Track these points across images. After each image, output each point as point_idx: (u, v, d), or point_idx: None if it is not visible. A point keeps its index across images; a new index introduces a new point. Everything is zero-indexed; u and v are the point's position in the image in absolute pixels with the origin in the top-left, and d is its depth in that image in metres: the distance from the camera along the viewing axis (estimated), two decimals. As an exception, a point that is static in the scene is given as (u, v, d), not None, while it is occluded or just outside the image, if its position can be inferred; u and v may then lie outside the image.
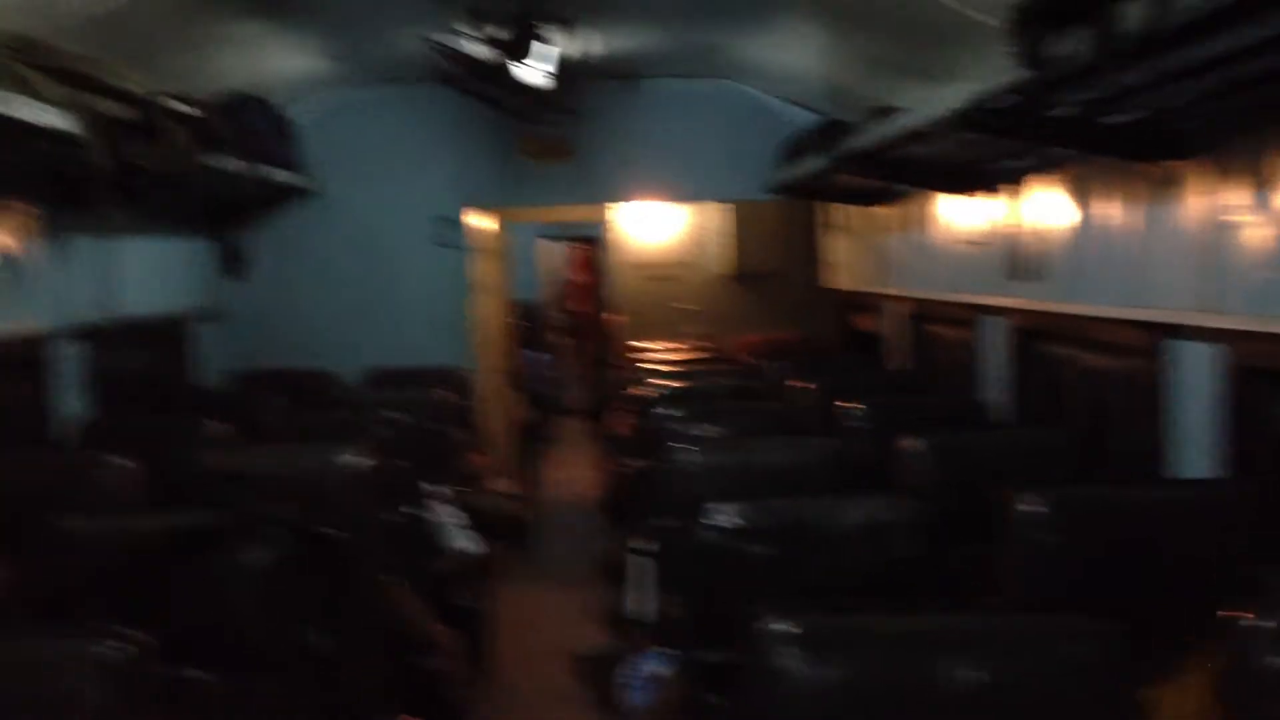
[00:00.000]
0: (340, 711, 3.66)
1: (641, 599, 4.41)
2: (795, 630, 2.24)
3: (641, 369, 7.62)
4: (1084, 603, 2.69)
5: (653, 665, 3.71)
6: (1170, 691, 2.37)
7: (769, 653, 2.22)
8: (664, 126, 8.17)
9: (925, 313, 6.86)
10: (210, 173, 5.19)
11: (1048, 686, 2.20)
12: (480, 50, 5.57)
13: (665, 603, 3.78)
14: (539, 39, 5.45)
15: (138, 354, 6.42)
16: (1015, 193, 5.27)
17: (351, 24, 6.19)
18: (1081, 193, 4.59)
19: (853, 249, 8.41)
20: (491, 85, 6.06)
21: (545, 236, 16.43)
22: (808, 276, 9.15)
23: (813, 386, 5.71)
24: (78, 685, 2.24)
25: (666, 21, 6.47)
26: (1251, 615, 2.05)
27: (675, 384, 6.51)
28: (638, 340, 9.37)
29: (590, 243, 16.99)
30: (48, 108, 3.84)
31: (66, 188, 4.94)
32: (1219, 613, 2.13)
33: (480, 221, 8.74)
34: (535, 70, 5.75)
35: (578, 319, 18.42)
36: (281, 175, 7.07)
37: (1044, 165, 4.86)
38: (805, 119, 7.48)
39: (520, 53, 5.47)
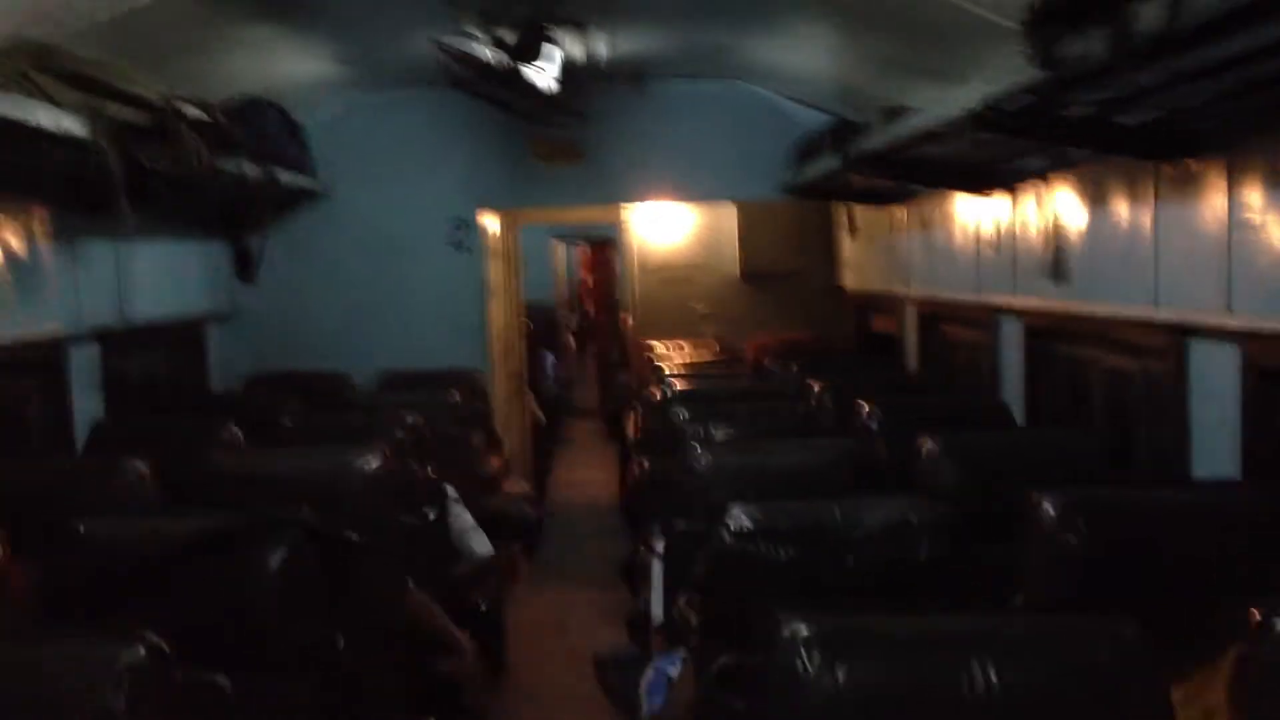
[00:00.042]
0: (357, 715, 3.65)
1: (659, 601, 4.40)
2: (814, 632, 2.23)
3: (656, 370, 7.62)
4: (1105, 603, 2.68)
5: (671, 667, 3.70)
6: (1192, 691, 2.36)
7: (788, 655, 2.21)
8: (675, 127, 8.17)
9: (941, 313, 6.84)
10: (222, 176, 5.19)
11: (1069, 687, 2.19)
12: (490, 53, 5.57)
13: (683, 605, 3.77)
14: (550, 41, 5.44)
15: (151, 357, 6.44)
16: (1031, 193, 5.25)
17: (362, 27, 6.19)
18: (1098, 193, 4.57)
19: (867, 250, 8.39)
20: (502, 88, 6.06)
21: (558, 238, 16.45)
22: (822, 277, 9.14)
23: (828, 387, 5.70)
24: (96, 688, 2.24)
25: (677, 22, 6.46)
26: (1273, 615, 2.04)
27: (690, 385, 6.51)
28: (651, 341, 9.37)
29: (603, 244, 17.02)
30: (61, 112, 3.85)
31: (80, 192, 4.95)
32: (1240, 613, 2.12)
33: (492, 223, 8.74)
34: (546, 73, 5.75)
35: (591, 320, 18.45)
36: (294, 178, 7.08)
37: (1059, 165, 4.84)
38: (816, 119, 7.46)
39: (531, 55, 5.46)
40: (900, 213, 7.44)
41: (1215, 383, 3.77)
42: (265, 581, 3.29)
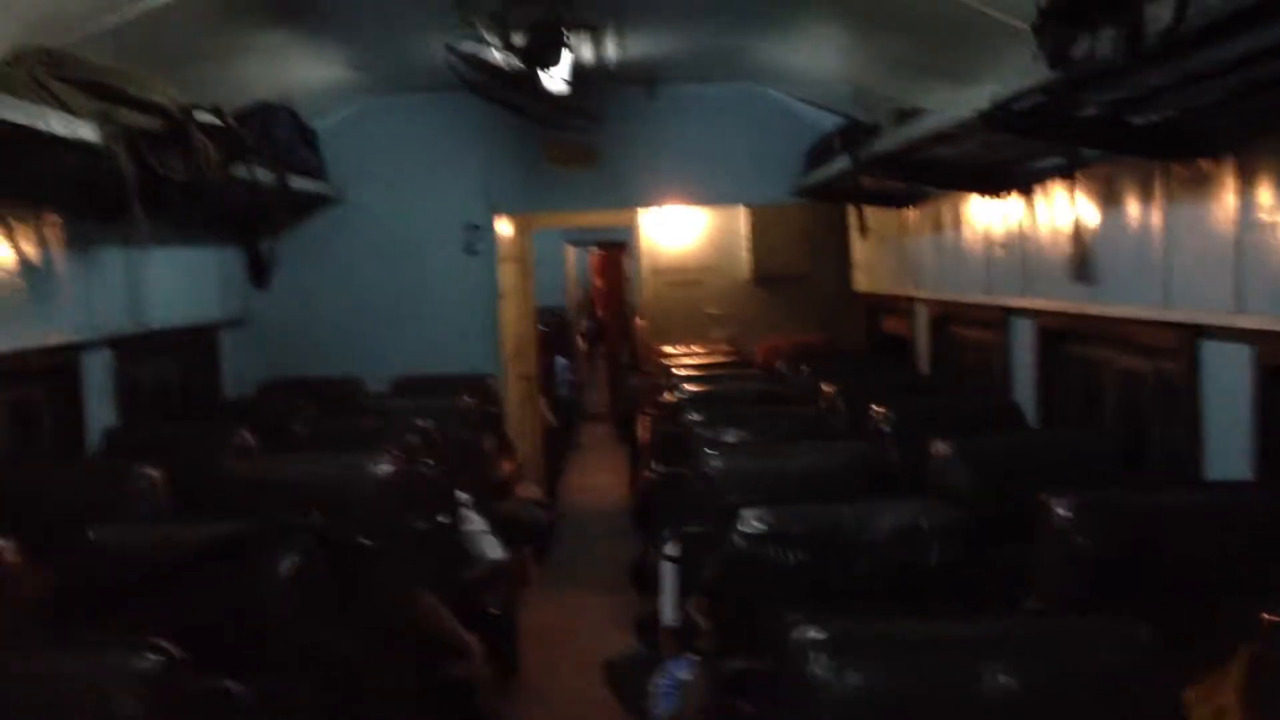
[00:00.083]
0: (368, 719, 3.66)
1: (671, 605, 4.40)
2: (828, 636, 2.23)
3: (668, 374, 7.62)
4: (1118, 605, 2.68)
5: (683, 672, 3.70)
6: (1205, 693, 2.35)
7: (801, 659, 2.21)
8: (688, 131, 8.16)
9: (952, 315, 6.83)
10: (236, 182, 5.20)
11: (1084, 690, 2.18)
12: (504, 58, 5.57)
13: (694, 608, 3.77)
14: (564, 45, 5.44)
15: (164, 363, 6.46)
16: (1043, 193, 5.24)
17: (374, 32, 6.20)
18: (1109, 193, 4.55)
19: (878, 251, 8.38)
20: (516, 92, 6.06)
21: (572, 242, 16.46)
22: (835, 280, 9.13)
23: (840, 389, 5.69)
24: (109, 695, 2.25)
25: (690, 26, 6.46)
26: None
27: (702, 388, 6.50)
28: (664, 345, 9.37)
29: (614, 247, 17.02)
30: (74, 119, 3.85)
31: (93, 198, 4.97)
32: (1252, 614, 2.11)
33: (505, 228, 8.74)
34: (560, 77, 5.75)
35: (604, 324, 18.44)
36: (307, 184, 7.09)
37: (1071, 166, 4.82)
38: (829, 121, 7.46)
39: (545, 60, 5.46)
40: (911, 214, 7.43)
41: (1228, 383, 3.75)
42: (277, 587, 3.31)
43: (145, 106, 4.25)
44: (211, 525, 3.47)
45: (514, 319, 9.09)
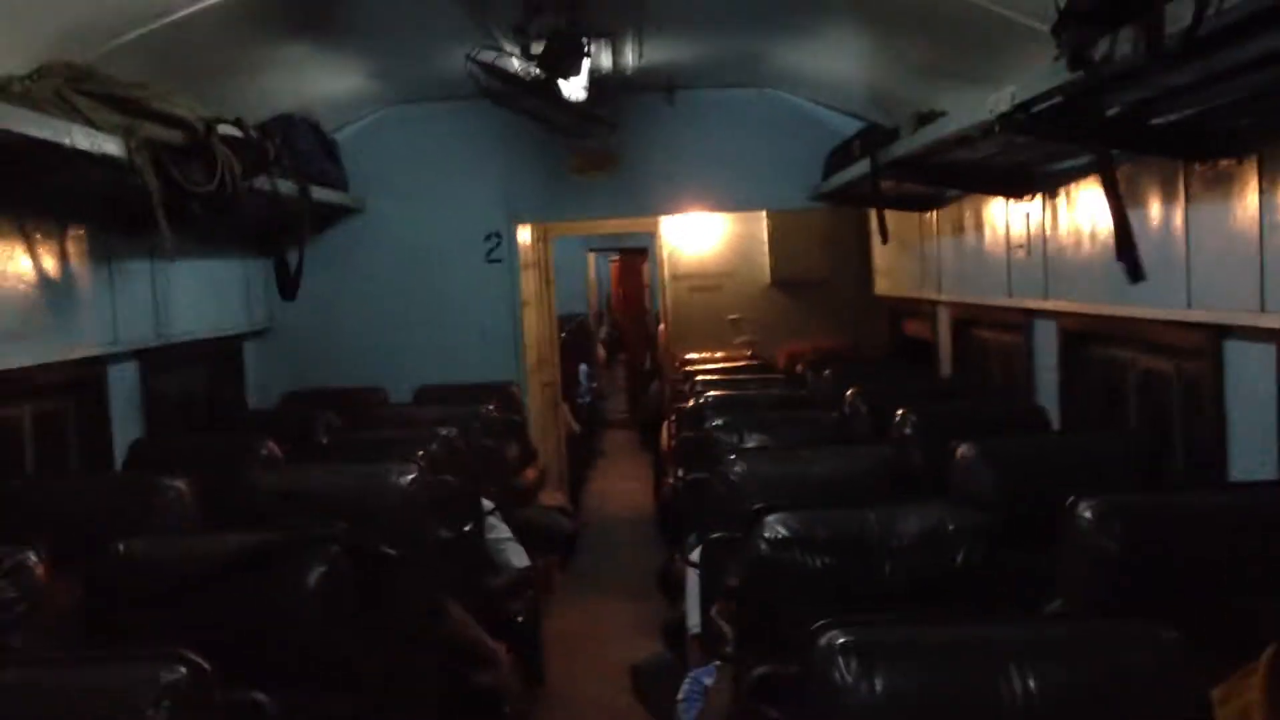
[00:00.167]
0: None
1: (695, 610, 4.39)
2: (851, 641, 2.23)
3: (690, 380, 7.62)
4: (1143, 608, 2.67)
5: (707, 677, 3.70)
6: (1231, 693, 2.34)
7: (829, 664, 2.21)
8: (708, 137, 8.14)
9: (974, 317, 6.81)
10: (259, 194, 5.23)
11: (1108, 692, 2.18)
12: (524, 67, 5.59)
13: (719, 614, 3.76)
14: (584, 54, 5.45)
15: (189, 375, 6.49)
16: (1065, 195, 5.23)
17: (395, 43, 6.23)
18: (1130, 194, 4.54)
19: (899, 255, 8.36)
20: (536, 100, 6.08)
21: (593, 249, 16.49)
22: (856, 284, 9.11)
23: (862, 393, 5.68)
24: (137, 708, 2.25)
25: (708, 32, 6.47)
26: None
27: (724, 394, 6.51)
28: (686, 351, 9.38)
29: (637, 254, 17.05)
30: (98, 133, 3.88)
31: (117, 211, 5.00)
32: (1277, 614, 2.11)
33: (525, 235, 8.75)
34: (579, 85, 5.76)
35: (625, 330, 18.47)
36: (329, 195, 7.11)
37: (1093, 167, 4.81)
38: (849, 126, 7.46)
39: (565, 68, 5.47)
40: (932, 217, 7.41)
41: (1252, 383, 3.73)
42: (303, 598, 3.32)
43: (168, 120, 4.27)
44: (238, 537, 3.48)
45: (535, 326, 9.11)
